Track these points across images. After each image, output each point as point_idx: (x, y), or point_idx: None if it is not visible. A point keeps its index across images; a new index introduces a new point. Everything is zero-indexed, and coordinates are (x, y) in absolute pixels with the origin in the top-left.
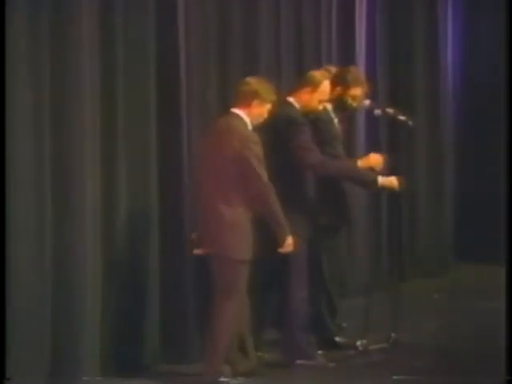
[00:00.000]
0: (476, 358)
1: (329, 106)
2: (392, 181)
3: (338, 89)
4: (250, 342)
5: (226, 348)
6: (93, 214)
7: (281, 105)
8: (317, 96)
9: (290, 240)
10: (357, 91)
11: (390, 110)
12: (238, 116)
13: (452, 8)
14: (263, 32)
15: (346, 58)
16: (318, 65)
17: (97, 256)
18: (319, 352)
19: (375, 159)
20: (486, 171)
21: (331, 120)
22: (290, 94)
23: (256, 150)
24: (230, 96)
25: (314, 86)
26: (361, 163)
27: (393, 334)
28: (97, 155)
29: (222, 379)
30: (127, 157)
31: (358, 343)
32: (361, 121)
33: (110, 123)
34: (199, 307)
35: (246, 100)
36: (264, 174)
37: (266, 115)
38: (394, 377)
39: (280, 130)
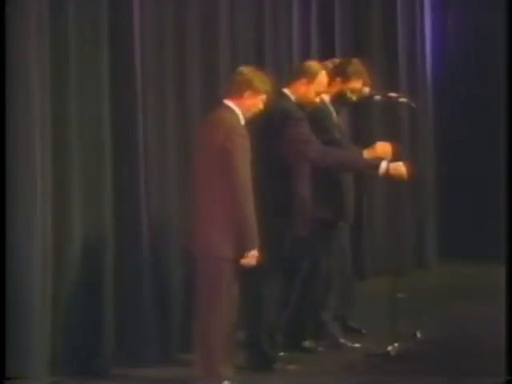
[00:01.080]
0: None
1: (326, 99)
2: (399, 167)
3: (338, 81)
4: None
5: (221, 348)
6: (44, 213)
7: (275, 97)
8: (313, 87)
9: (254, 252)
10: (357, 84)
11: (392, 94)
12: (228, 108)
13: None
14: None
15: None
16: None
17: (48, 255)
18: (281, 354)
19: (382, 148)
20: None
21: (330, 112)
22: (285, 85)
23: (241, 143)
24: (190, 95)
25: (311, 76)
26: (367, 153)
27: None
28: (48, 154)
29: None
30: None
31: (390, 348)
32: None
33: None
34: (157, 310)
35: (238, 91)
36: (244, 172)
37: (260, 106)
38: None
39: (275, 124)
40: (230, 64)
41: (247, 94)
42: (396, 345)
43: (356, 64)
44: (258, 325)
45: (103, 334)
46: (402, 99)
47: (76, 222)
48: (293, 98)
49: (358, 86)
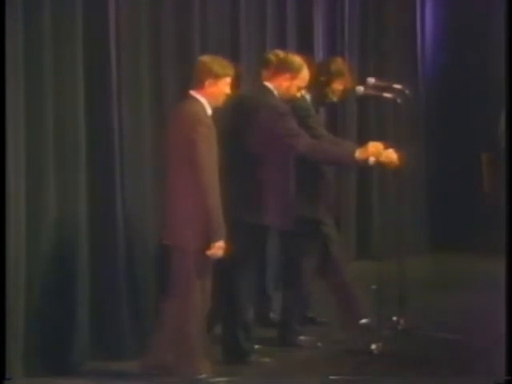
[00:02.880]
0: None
1: (307, 96)
2: (390, 154)
3: (321, 79)
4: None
5: (196, 343)
6: (18, 211)
7: (258, 90)
8: (296, 83)
9: (220, 243)
10: (339, 85)
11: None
12: (193, 98)
13: None
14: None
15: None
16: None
17: (22, 252)
18: (256, 347)
19: (374, 148)
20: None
21: (311, 110)
22: (267, 78)
23: (205, 134)
24: (165, 88)
25: (295, 72)
26: (359, 154)
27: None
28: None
29: (201, 377)
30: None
31: (373, 346)
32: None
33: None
34: (131, 305)
35: (200, 80)
36: (208, 163)
37: (227, 91)
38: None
39: (259, 118)
40: None
41: (209, 82)
42: (380, 344)
43: (339, 63)
44: (233, 318)
45: (78, 326)
46: (387, 94)
47: (50, 212)
48: (276, 92)
49: (340, 87)
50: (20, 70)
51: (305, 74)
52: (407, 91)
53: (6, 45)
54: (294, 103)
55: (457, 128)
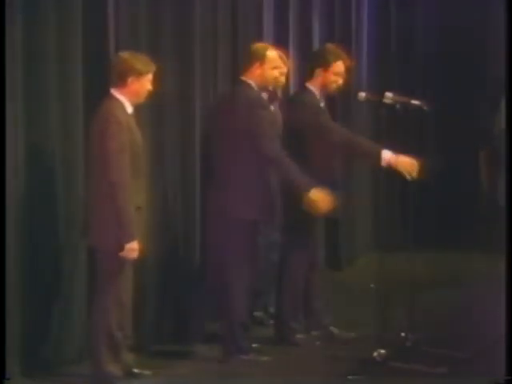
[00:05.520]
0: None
1: (316, 92)
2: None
3: (319, 70)
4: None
5: (106, 344)
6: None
7: (237, 86)
8: (267, 67)
9: (134, 245)
10: (339, 67)
11: (389, 95)
12: (112, 97)
13: None
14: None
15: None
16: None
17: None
18: (254, 346)
19: (408, 165)
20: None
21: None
22: (242, 73)
23: (115, 132)
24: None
25: (261, 57)
26: (387, 161)
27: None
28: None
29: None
30: None
31: (375, 353)
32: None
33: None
34: None
35: (121, 78)
36: (118, 162)
37: (149, 87)
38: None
39: (239, 114)
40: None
41: (131, 79)
42: (382, 351)
43: (331, 47)
44: (230, 316)
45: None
46: (387, 100)
47: None
48: (253, 84)
49: (341, 68)
50: (18, 81)
51: (271, 56)
52: (425, 107)
53: (5, 44)
54: (303, 99)
55: (457, 128)
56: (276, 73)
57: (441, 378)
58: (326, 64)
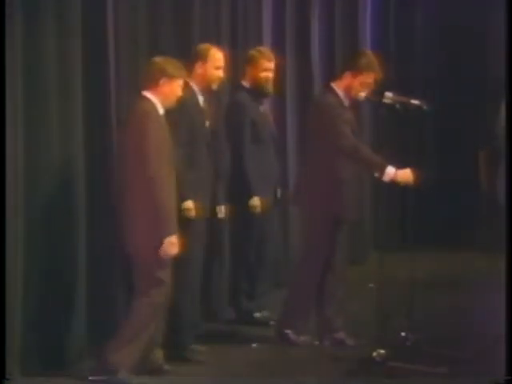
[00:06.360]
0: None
1: (341, 94)
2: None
3: (347, 74)
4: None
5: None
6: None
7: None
8: (209, 66)
9: (173, 239)
10: (368, 78)
11: (388, 94)
12: (145, 98)
13: None
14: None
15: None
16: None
17: (18, 252)
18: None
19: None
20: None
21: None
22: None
23: (155, 130)
24: None
25: (203, 57)
26: (390, 176)
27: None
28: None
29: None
30: None
31: (375, 353)
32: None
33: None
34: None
35: (153, 80)
36: (156, 157)
37: (179, 92)
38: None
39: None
40: None
41: (163, 81)
42: (382, 351)
43: (368, 55)
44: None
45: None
46: (386, 100)
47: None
48: (195, 85)
49: (369, 80)
50: (18, 79)
51: (214, 55)
52: (425, 107)
53: (5, 44)
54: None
55: (456, 128)
56: (219, 73)
57: (441, 378)
58: (356, 71)
